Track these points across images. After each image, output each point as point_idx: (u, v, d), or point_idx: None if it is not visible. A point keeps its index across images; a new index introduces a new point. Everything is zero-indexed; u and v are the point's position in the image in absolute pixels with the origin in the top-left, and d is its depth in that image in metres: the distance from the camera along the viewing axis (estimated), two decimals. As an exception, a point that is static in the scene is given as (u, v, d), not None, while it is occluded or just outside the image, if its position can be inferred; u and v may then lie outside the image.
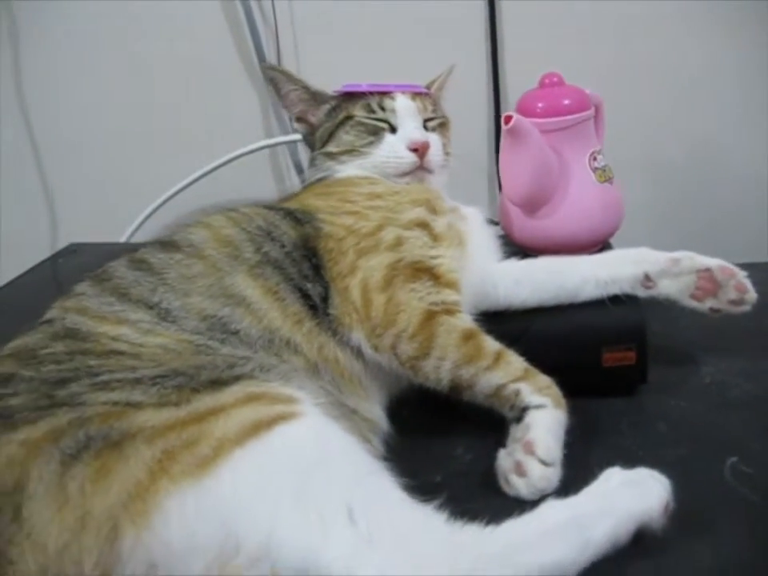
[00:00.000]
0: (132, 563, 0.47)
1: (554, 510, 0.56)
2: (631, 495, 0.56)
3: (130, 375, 0.58)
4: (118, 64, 1.35)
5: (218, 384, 0.56)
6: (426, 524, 0.52)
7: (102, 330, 0.64)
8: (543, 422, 0.65)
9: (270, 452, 0.52)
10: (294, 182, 1.32)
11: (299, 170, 1.31)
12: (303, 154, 1.31)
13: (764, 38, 1.13)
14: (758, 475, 0.64)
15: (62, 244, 1.39)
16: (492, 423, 0.69)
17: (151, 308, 0.67)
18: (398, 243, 0.74)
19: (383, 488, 0.53)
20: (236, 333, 0.66)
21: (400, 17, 1.22)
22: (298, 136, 1.24)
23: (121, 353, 0.61)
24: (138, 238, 1.26)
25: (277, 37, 1.27)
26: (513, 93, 1.22)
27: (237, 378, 0.58)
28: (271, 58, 1.28)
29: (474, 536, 0.52)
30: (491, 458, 0.66)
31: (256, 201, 0.85)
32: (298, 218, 0.77)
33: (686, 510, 0.57)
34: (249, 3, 1.26)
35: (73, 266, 1.08)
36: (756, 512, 0.60)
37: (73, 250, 1.13)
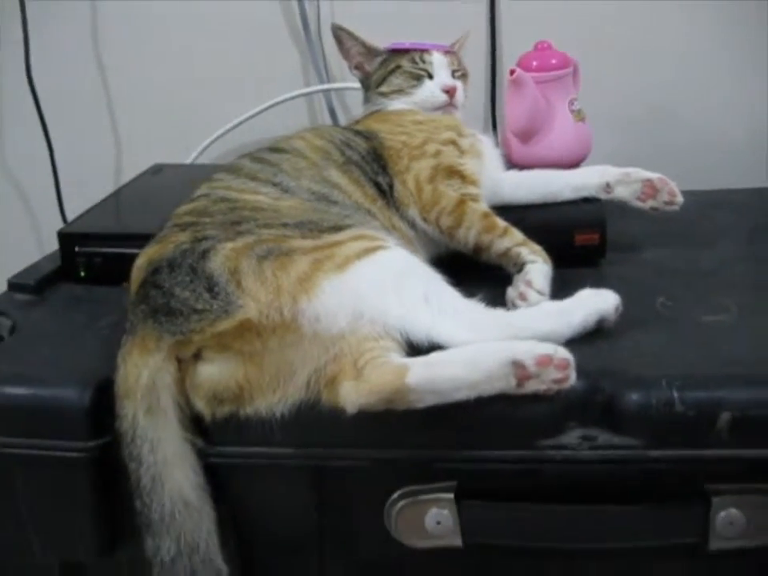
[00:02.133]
0: (307, 315, 0.73)
1: (550, 304, 0.82)
2: (596, 298, 0.80)
3: (278, 221, 0.82)
4: (176, 20, 1.48)
5: (335, 228, 0.80)
6: (473, 305, 0.78)
7: (245, 198, 0.87)
8: (537, 269, 0.88)
9: (377, 264, 0.77)
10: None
11: (333, 116, 1.48)
12: (337, 102, 1.49)
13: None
14: (676, 307, 0.87)
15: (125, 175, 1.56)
16: (497, 282, 0.91)
17: (275, 185, 0.89)
18: (437, 153, 0.98)
19: (444, 286, 0.79)
20: (335, 203, 0.89)
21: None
22: (332, 85, 1.46)
23: (264, 209, 0.84)
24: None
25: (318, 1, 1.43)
26: (507, 56, 1.43)
27: (347, 226, 0.81)
28: (312, 15, 1.44)
29: (502, 313, 0.79)
30: (501, 299, 0.88)
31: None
32: (365, 135, 1.02)
33: (629, 317, 0.81)
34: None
35: (162, 180, 1.27)
36: (674, 324, 0.83)
37: (158, 169, 1.31)
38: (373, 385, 0.71)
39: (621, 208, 1.01)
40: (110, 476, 0.79)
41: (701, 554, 0.75)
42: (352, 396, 0.72)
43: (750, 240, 1.09)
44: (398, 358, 0.74)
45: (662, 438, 0.73)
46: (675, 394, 0.71)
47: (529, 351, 0.71)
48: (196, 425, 0.76)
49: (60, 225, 1.43)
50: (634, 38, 1.41)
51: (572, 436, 0.73)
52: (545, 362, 0.71)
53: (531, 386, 0.72)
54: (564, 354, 0.72)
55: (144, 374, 0.74)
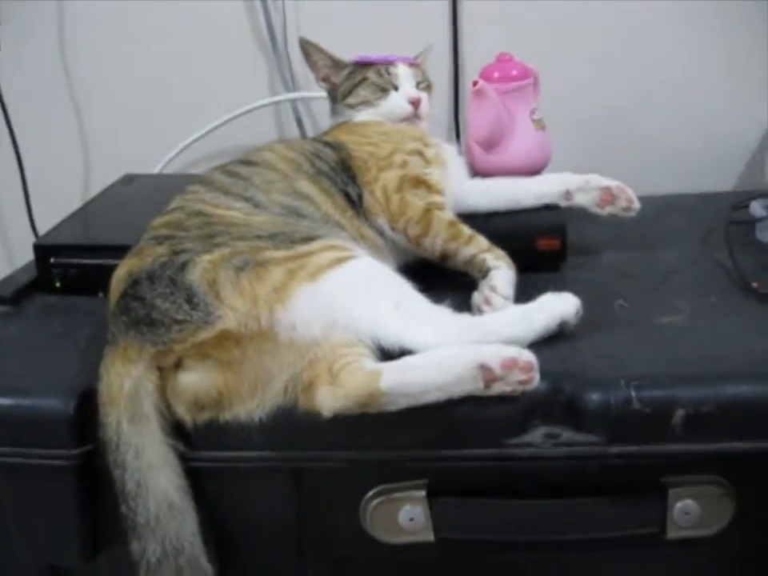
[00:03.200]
0: (283, 324, 0.76)
1: (514, 308, 0.85)
2: (558, 302, 0.83)
3: (251, 234, 0.84)
4: (145, 28, 1.49)
5: (306, 239, 0.83)
6: (441, 310, 0.81)
7: (218, 212, 0.89)
8: (501, 275, 0.91)
9: (348, 273, 0.80)
10: (294, 135, 1.51)
11: (300, 125, 1.51)
12: (303, 111, 1.51)
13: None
14: (633, 309, 0.92)
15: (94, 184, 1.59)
16: (463, 288, 0.94)
17: (247, 200, 0.91)
18: (404, 163, 1.01)
19: (413, 293, 0.82)
20: (305, 216, 0.92)
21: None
22: (298, 94, 1.48)
23: (237, 224, 0.86)
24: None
25: (283, 6, 1.45)
26: (470, 67, 1.46)
27: (318, 237, 0.83)
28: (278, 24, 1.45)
29: (468, 318, 0.82)
30: (467, 304, 0.91)
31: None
32: (333, 146, 1.04)
33: (589, 320, 0.85)
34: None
35: (133, 191, 1.28)
36: (631, 325, 0.88)
37: (129, 179, 1.33)
38: (347, 389, 0.74)
39: (580, 214, 1.05)
40: (93, 483, 0.82)
41: (659, 542, 0.79)
42: (328, 400, 0.75)
43: (702, 243, 1.13)
44: (371, 363, 0.77)
45: (620, 435, 0.77)
46: (633, 393, 0.76)
47: (495, 355, 0.75)
48: (178, 430, 0.79)
49: (30, 236, 1.47)
50: (591, 45, 1.45)
51: (537, 434, 0.77)
52: (510, 364, 0.75)
53: (498, 388, 0.76)
54: (528, 356, 0.76)
55: (127, 383, 0.77)
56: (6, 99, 1.50)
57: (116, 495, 0.77)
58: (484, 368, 0.75)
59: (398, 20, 1.43)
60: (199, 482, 0.79)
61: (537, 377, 0.76)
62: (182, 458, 0.78)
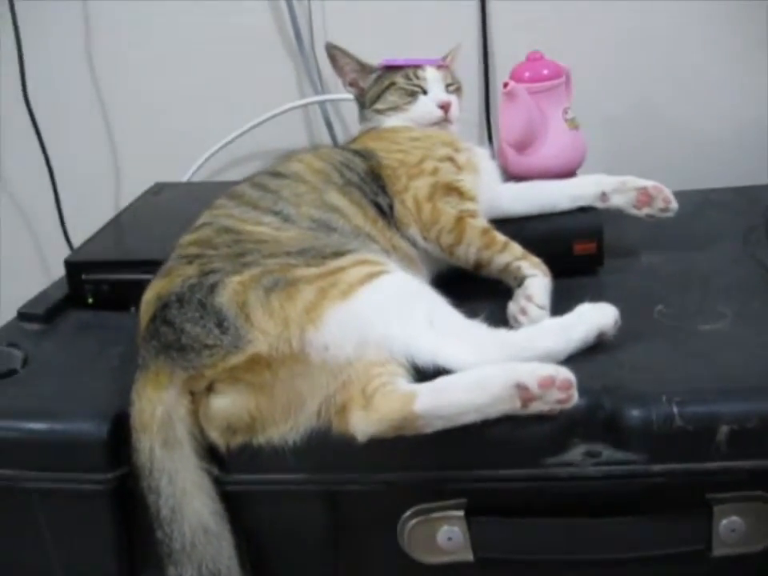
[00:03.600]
0: (315, 345, 0.75)
1: (550, 321, 0.83)
2: (596, 313, 0.82)
3: (281, 250, 0.83)
4: (170, 35, 1.49)
5: (337, 254, 0.81)
6: (476, 326, 0.80)
7: (247, 228, 0.89)
8: (537, 283, 0.89)
9: (381, 289, 0.78)
10: (323, 138, 1.51)
11: (329, 127, 1.49)
12: (333, 113, 1.50)
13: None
14: (674, 314, 0.89)
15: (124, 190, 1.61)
16: (499, 296, 0.92)
17: (276, 214, 0.90)
18: (435, 171, 0.99)
19: (447, 308, 0.81)
20: (335, 229, 0.90)
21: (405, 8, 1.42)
22: (327, 96, 1.47)
23: (266, 241, 0.85)
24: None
25: (309, 9, 1.45)
26: (500, 66, 1.44)
27: (349, 252, 0.82)
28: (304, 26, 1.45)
29: (504, 333, 0.81)
30: (503, 314, 0.90)
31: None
32: (363, 155, 1.03)
33: (628, 328, 0.83)
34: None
35: (163, 201, 1.28)
36: (672, 334, 0.86)
37: (159, 188, 1.32)
38: (382, 414, 0.73)
39: (616, 215, 1.03)
40: (128, 506, 0.82)
41: (705, 560, 0.77)
42: (362, 425, 0.74)
43: (744, 242, 1.10)
44: (406, 385, 0.76)
45: (663, 453, 0.74)
46: (675, 410, 0.74)
47: (532, 373, 0.73)
48: (211, 455, 0.78)
49: (63, 246, 1.48)
50: (622, 41, 1.43)
51: (576, 453, 0.76)
52: (547, 383, 0.73)
53: (535, 407, 0.74)
54: (566, 374, 0.74)
55: (159, 408, 0.77)
56: (36, 111, 1.51)
57: (151, 520, 0.76)
58: (521, 387, 0.73)
59: (426, 21, 1.40)
60: (234, 505, 0.78)
61: (575, 395, 0.74)
62: (217, 482, 0.78)
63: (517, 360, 0.77)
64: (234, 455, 0.78)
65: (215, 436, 0.78)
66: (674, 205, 1.01)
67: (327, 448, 0.76)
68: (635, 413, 0.75)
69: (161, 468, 0.76)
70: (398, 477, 0.77)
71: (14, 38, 1.47)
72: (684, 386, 0.76)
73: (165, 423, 0.76)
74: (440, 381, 0.75)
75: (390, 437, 0.74)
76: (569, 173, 1.09)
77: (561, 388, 0.73)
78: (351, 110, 1.32)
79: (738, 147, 1.43)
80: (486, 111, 1.47)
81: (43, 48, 1.52)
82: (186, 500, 0.76)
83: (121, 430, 0.79)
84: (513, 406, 0.74)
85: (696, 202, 1.21)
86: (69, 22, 1.52)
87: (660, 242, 1.09)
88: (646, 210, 1.02)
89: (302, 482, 0.78)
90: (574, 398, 0.74)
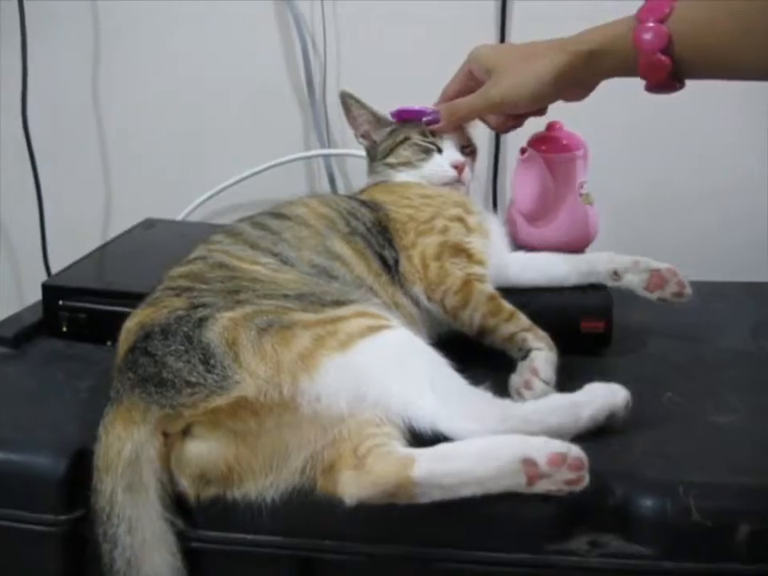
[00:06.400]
0: (307, 395, 0.70)
1: (559, 396, 0.78)
2: (606, 393, 0.77)
3: (278, 292, 0.78)
4: (179, 72, 1.48)
5: (338, 303, 0.77)
6: (480, 393, 0.74)
7: (243, 266, 0.84)
8: (543, 357, 0.85)
9: (382, 344, 0.74)
10: (325, 190, 1.48)
11: (332, 182, 1.47)
12: (336, 168, 1.48)
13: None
14: (684, 402, 0.85)
15: (113, 224, 1.56)
16: (498, 366, 0.87)
17: (275, 255, 0.87)
18: (445, 229, 0.95)
19: (450, 372, 0.75)
20: (336, 278, 0.87)
21: (424, 45, 1.40)
22: (334, 150, 1.45)
23: (262, 281, 0.81)
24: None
25: (324, 63, 1.44)
26: (511, 137, 1.33)
27: (350, 301, 0.78)
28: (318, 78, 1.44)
29: (509, 404, 0.75)
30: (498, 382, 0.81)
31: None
32: (370, 206, 0.99)
33: (637, 412, 0.78)
34: (303, 32, 1.42)
35: (154, 236, 1.23)
36: (683, 422, 0.81)
37: (151, 224, 1.28)
38: (375, 476, 0.67)
39: (625, 296, 0.99)
40: (80, 553, 0.75)
41: None
42: (352, 487, 0.68)
43: (753, 336, 1.06)
44: (403, 449, 0.70)
45: (677, 549, 0.68)
46: (692, 502, 0.68)
47: (541, 448, 0.68)
48: (179, 505, 0.72)
49: (43, 275, 1.41)
50: (639, 119, 1.40)
51: (581, 541, 0.69)
52: (558, 461, 0.67)
53: (542, 486, 0.68)
54: (578, 453, 0.68)
55: (127, 446, 0.70)
56: (32, 134, 1.48)
57: (103, 572, 0.68)
58: (528, 462, 0.67)
59: (444, 77, 1.37)
60: (197, 564, 0.71)
61: (587, 477, 0.68)
62: (181, 537, 0.71)
63: (521, 434, 0.71)
64: (203, 508, 0.71)
65: (186, 484, 0.71)
66: (689, 290, 0.97)
67: (308, 510, 0.70)
68: (648, 502, 0.69)
69: (121, 514, 0.68)
70: (383, 549, 0.71)
71: (21, 61, 1.45)
72: (701, 478, 0.71)
73: (131, 464, 0.69)
74: (441, 447, 0.69)
75: (381, 503, 0.67)
76: (579, 249, 1.05)
77: (571, 467, 0.67)
78: (355, 166, 1.30)
79: (750, 243, 1.41)
80: (494, 178, 1.44)
81: (48, 73, 1.50)
82: (145, 553, 0.68)
83: (81, 468, 0.73)
84: (517, 482, 0.68)
85: (704, 293, 1.16)
86: (76, 52, 1.51)
87: (667, 328, 1.05)
88: (657, 293, 0.97)
89: (276, 545, 0.71)
90: (585, 480, 0.68)
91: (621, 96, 1.31)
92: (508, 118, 1.03)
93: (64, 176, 1.54)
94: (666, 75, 0.83)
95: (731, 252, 1.42)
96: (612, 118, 1.38)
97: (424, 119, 1.06)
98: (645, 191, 1.43)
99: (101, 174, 1.57)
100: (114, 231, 1.42)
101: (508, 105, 0.96)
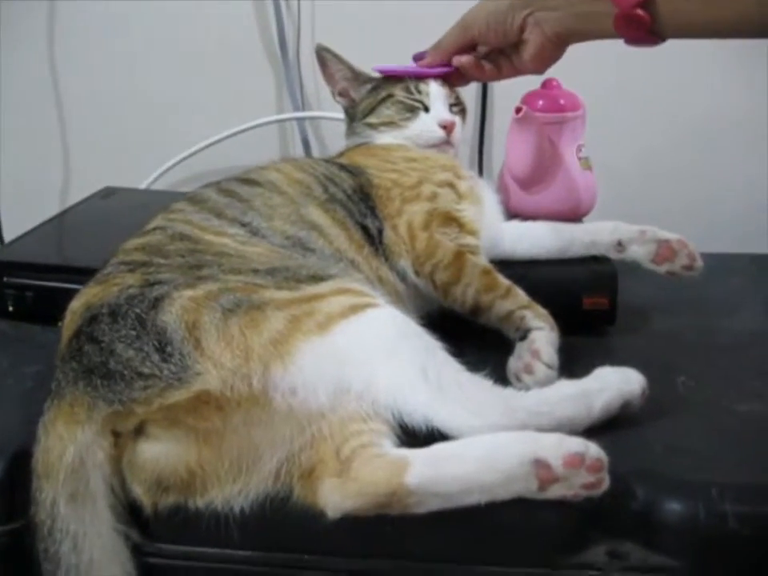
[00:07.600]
0: (281, 387, 0.61)
1: (567, 384, 0.69)
2: (620, 379, 0.69)
3: (247, 267, 0.70)
4: (143, 36, 1.40)
5: (315, 279, 0.69)
6: (479, 382, 0.66)
7: (207, 238, 0.76)
8: (544, 338, 0.78)
9: (367, 325, 0.66)
10: (299, 155, 1.39)
11: (306, 146, 1.39)
12: (311, 132, 1.40)
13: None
14: (701, 388, 0.78)
15: (73, 192, 1.46)
16: (495, 347, 0.81)
17: (244, 225, 0.79)
18: (433, 196, 0.88)
19: (445, 357, 0.67)
20: (313, 251, 0.79)
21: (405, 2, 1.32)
22: (308, 113, 1.37)
23: (229, 255, 0.73)
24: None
25: (299, 20, 1.35)
26: (498, 92, 1.34)
27: (330, 277, 0.70)
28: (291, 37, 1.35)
29: (513, 394, 0.67)
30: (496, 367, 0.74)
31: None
32: (350, 170, 0.90)
33: (651, 401, 0.70)
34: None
35: (112, 205, 1.15)
36: (703, 412, 0.74)
37: (109, 192, 1.20)
38: (363, 485, 0.59)
39: (631, 269, 0.92)
40: (26, 568, 0.64)
41: None
42: (335, 497, 0.60)
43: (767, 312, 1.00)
44: (394, 450, 0.62)
45: (709, 560, 0.61)
46: (728, 507, 0.59)
47: (555, 448, 0.59)
48: (133, 515, 0.63)
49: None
50: (640, 84, 1.34)
51: (598, 552, 0.61)
52: (574, 462, 0.59)
53: (556, 491, 0.59)
54: (597, 452, 0.60)
55: (70, 449, 0.60)
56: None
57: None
58: (540, 464, 0.59)
59: (425, 37, 1.28)
60: (156, 583, 0.63)
61: (607, 479, 0.60)
62: (136, 551, 0.63)
63: (528, 428, 0.63)
64: (161, 519, 0.63)
65: (140, 492, 0.63)
66: (700, 263, 0.89)
67: (283, 521, 0.62)
68: (676, 506, 0.61)
69: (64, 528, 0.59)
70: (370, 564, 0.63)
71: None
72: (737, 478, 0.62)
73: (75, 470, 0.60)
74: (439, 447, 0.61)
75: (370, 514, 0.59)
76: (576, 218, 0.98)
77: (590, 469, 0.59)
78: (331, 129, 1.22)
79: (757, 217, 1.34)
80: (480, 141, 1.36)
81: (6, 42, 1.42)
82: (93, 572, 0.59)
83: (21, 472, 0.64)
84: (528, 487, 0.60)
85: (712, 266, 1.08)
86: (34, 18, 1.42)
87: (676, 305, 0.98)
88: (666, 266, 0.90)
89: (246, 560, 0.63)
90: (605, 482, 0.60)
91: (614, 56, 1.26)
92: (486, 60, 0.95)
93: (20, 142, 1.46)
94: (645, 31, 0.78)
95: (731, 221, 1.37)
96: (606, 77, 1.33)
97: (413, 55, 0.99)
98: (639, 157, 1.37)
99: (59, 139, 1.48)
100: (74, 199, 1.35)
101: (476, 27, 0.91)
